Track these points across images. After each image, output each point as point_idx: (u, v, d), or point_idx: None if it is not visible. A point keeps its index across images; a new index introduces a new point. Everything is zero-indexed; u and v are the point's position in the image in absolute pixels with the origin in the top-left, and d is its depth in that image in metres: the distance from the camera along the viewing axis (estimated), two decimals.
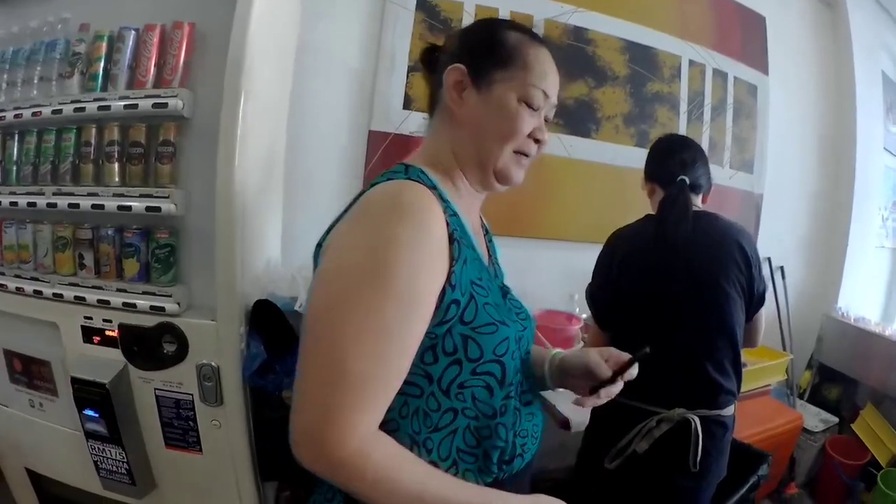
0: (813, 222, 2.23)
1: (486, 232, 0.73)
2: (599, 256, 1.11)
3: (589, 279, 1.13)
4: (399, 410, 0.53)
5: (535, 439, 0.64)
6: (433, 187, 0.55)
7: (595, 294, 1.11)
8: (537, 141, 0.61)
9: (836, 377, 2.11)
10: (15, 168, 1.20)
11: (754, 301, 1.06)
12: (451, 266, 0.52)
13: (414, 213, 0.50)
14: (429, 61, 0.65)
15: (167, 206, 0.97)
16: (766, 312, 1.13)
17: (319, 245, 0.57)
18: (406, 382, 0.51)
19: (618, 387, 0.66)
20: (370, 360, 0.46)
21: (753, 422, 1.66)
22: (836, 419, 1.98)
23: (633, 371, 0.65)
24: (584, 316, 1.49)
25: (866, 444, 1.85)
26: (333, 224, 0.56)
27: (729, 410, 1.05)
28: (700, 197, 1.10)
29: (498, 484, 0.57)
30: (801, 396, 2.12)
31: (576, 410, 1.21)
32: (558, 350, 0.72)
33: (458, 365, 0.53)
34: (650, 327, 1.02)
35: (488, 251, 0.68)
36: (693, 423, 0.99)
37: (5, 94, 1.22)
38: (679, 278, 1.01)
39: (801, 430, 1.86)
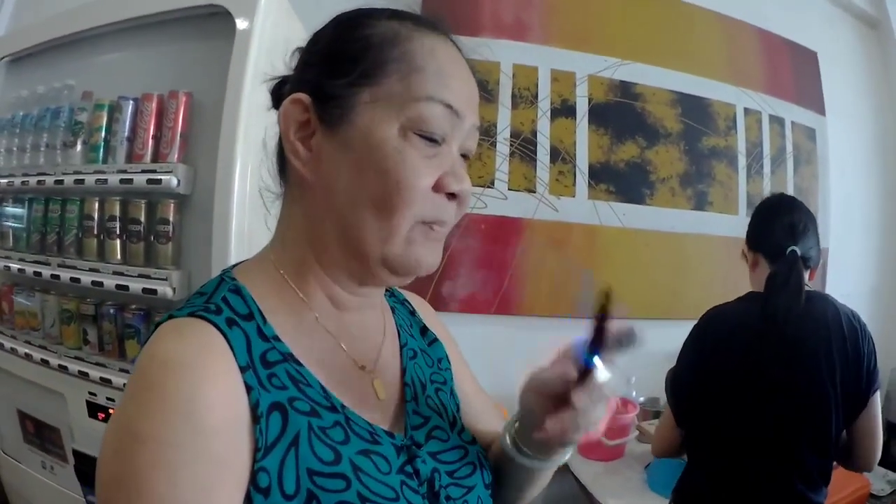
0: (881, 270, 2.08)
1: (433, 340, 0.53)
2: (689, 336, 0.99)
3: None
4: None
5: None
6: (247, 316, 0.37)
7: (679, 382, 0.99)
8: (452, 196, 0.39)
9: None
10: (25, 235, 1.25)
11: (858, 400, 0.92)
12: (254, 459, 0.34)
13: (169, 391, 0.33)
14: (280, 101, 0.41)
15: (163, 290, 0.98)
16: None
17: None
18: None
19: (596, 405, 0.38)
20: None
21: None
22: None
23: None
24: (641, 400, 1.42)
25: None
26: None
27: None
28: (808, 272, 0.96)
29: None
30: None
31: None
32: (511, 418, 0.48)
33: None
34: (737, 427, 0.91)
35: (402, 379, 0.47)
36: None
37: (16, 159, 1.28)
38: (779, 373, 0.89)
39: (868, 496, 1.72)
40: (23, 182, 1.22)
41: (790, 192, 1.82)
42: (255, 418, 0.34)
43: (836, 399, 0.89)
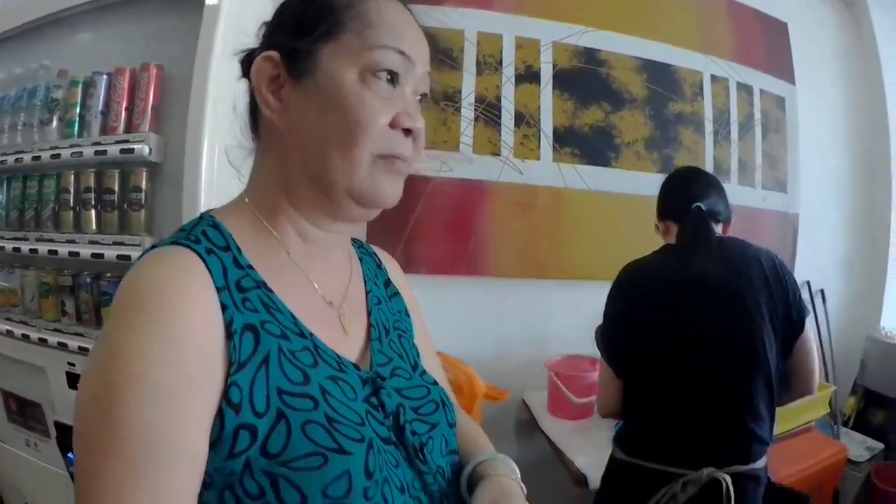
0: (852, 239, 2.13)
1: (395, 293, 0.57)
2: (610, 293, 1.04)
3: None
4: None
5: None
6: (224, 248, 0.41)
7: (607, 336, 1.03)
8: (408, 132, 0.43)
9: (881, 401, 2.01)
10: (3, 213, 1.28)
11: (792, 330, 0.96)
12: (227, 374, 0.37)
13: (148, 307, 0.36)
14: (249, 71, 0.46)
15: (136, 255, 1.01)
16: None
17: None
18: None
19: None
20: None
21: (795, 460, 1.58)
22: (881, 445, 1.89)
23: None
24: None
25: None
26: None
27: (762, 462, 0.98)
28: (720, 227, 1.03)
29: None
30: (845, 424, 2.02)
31: (593, 466, 1.13)
32: (487, 457, 0.52)
33: None
34: (673, 373, 0.95)
35: (368, 320, 0.51)
36: (724, 484, 0.91)
37: None
38: (705, 315, 0.93)
39: (846, 461, 1.77)
40: (0, 161, 1.25)
41: (759, 158, 1.88)
42: (229, 335, 0.38)
43: (767, 330, 0.93)
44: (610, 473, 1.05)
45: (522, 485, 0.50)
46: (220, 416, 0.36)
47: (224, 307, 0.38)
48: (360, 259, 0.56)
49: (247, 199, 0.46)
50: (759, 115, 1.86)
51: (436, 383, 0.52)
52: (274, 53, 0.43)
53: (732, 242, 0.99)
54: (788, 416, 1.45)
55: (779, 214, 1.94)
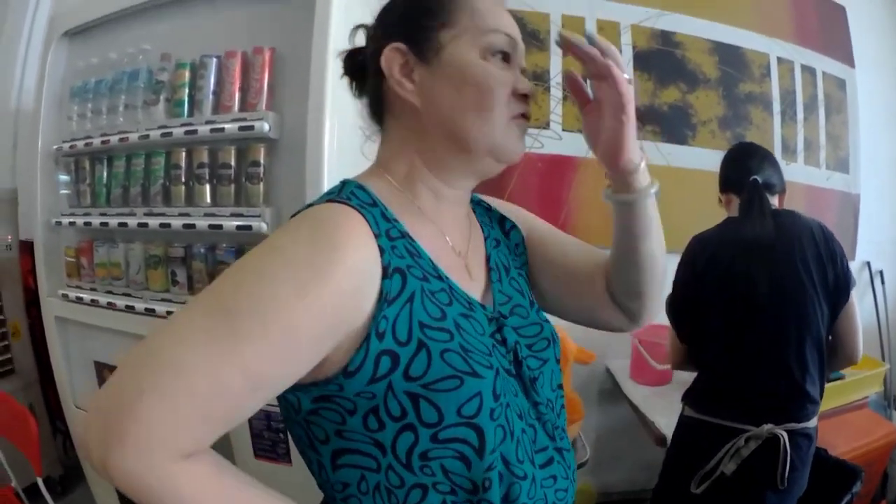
0: None
1: (511, 227, 0.66)
2: (679, 264, 1.17)
3: None
4: (357, 485, 0.48)
5: None
6: (372, 204, 0.49)
7: (674, 306, 1.17)
8: (525, 96, 0.52)
9: None
10: (105, 190, 1.39)
11: (839, 297, 1.08)
12: (378, 308, 0.45)
13: (326, 229, 0.44)
14: (352, 68, 0.57)
15: (258, 225, 1.12)
16: (865, 319, 1.15)
17: None
18: (357, 452, 0.47)
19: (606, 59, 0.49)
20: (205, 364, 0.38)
21: (850, 437, 1.68)
22: None
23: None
24: None
25: None
26: None
27: (814, 422, 1.10)
28: (776, 198, 1.16)
29: None
30: None
31: (672, 427, 1.24)
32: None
33: (411, 431, 0.45)
34: (734, 337, 1.07)
35: (487, 264, 0.60)
36: (782, 440, 1.03)
37: (91, 122, 1.42)
38: (762, 280, 1.05)
39: None
40: (102, 142, 1.36)
41: (823, 138, 2.02)
42: (386, 275, 0.45)
43: (817, 296, 1.05)
44: (680, 430, 1.18)
45: None
46: (365, 342, 0.44)
47: (382, 251, 0.46)
48: (473, 210, 0.64)
49: (379, 168, 0.55)
50: (822, 96, 2.01)
51: (548, 321, 0.61)
52: (400, 44, 0.51)
53: (787, 213, 1.12)
54: (844, 391, 1.55)
55: (842, 194, 2.09)
